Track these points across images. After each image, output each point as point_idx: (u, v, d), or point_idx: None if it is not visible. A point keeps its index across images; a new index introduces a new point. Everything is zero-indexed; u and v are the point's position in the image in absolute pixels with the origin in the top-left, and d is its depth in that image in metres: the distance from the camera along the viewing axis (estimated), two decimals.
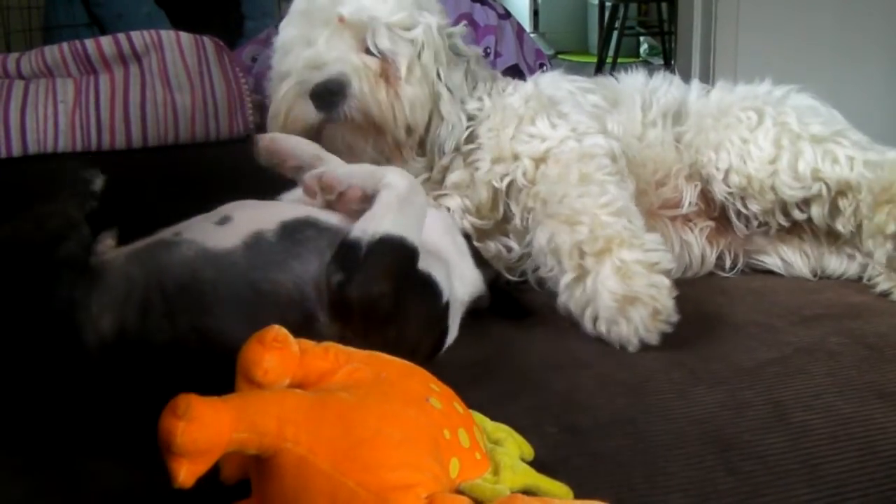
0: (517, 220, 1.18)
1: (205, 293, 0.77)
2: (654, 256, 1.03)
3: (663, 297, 0.99)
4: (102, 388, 0.76)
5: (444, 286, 0.88)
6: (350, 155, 1.09)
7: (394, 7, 1.18)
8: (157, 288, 0.77)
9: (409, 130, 1.17)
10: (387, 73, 1.15)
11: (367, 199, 0.84)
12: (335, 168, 0.91)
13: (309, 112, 1.12)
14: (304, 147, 0.98)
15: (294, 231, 0.82)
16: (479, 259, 1.04)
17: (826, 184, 1.19)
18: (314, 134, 1.11)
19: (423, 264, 0.85)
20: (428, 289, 0.86)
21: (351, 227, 0.81)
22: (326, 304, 0.78)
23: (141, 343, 0.76)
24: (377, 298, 0.79)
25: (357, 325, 0.78)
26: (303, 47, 1.16)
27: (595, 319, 1.01)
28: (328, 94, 1.11)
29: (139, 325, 0.76)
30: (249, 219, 0.83)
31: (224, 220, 0.83)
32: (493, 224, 1.20)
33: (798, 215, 1.23)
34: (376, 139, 1.16)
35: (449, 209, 1.18)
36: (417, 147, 1.21)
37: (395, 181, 0.84)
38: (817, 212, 1.21)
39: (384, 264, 0.80)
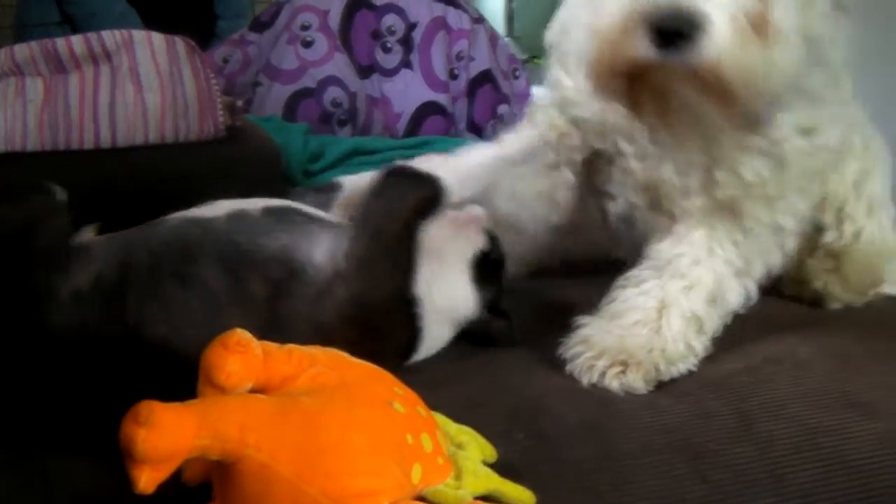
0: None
1: (189, 246, 0.80)
2: None
3: None
4: (72, 357, 0.77)
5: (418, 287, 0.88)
6: (675, 109, 0.88)
7: None
8: (141, 246, 0.80)
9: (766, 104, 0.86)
10: (760, 21, 0.81)
11: None
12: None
13: (638, 47, 0.80)
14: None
15: (279, 213, 0.84)
16: (484, 280, 0.96)
17: None
18: (637, 75, 0.84)
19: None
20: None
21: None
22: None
23: (117, 291, 0.78)
24: (395, 214, 0.84)
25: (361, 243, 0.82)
26: None
27: None
28: (673, 32, 0.78)
29: (118, 275, 0.78)
30: (231, 203, 0.86)
31: (205, 205, 0.86)
32: None
33: None
34: (719, 104, 0.85)
35: None
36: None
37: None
38: None
39: (416, 193, 0.86)
